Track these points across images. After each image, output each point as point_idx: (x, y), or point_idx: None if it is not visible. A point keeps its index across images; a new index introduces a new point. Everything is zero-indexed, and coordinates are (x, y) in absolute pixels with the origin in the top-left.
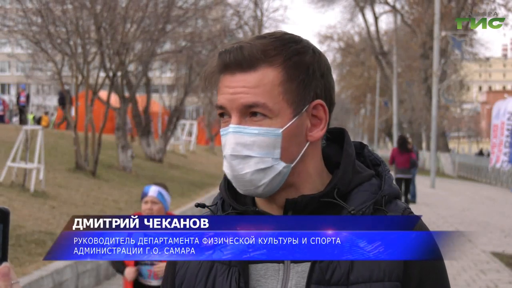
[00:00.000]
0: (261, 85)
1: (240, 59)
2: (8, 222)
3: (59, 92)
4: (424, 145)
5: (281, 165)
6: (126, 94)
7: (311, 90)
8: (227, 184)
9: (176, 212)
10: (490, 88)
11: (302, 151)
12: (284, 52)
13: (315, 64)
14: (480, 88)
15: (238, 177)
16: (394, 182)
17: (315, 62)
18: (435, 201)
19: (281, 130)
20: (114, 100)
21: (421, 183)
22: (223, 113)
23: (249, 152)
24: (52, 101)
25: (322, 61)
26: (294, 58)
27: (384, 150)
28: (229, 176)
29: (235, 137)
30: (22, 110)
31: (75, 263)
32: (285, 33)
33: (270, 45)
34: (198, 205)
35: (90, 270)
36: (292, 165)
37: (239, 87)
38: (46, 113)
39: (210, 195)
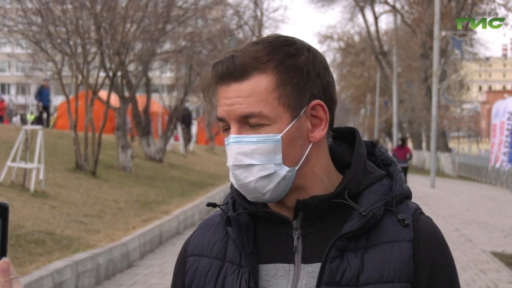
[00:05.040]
0: (254, 93)
1: (232, 69)
2: (7, 217)
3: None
4: (424, 145)
5: (284, 170)
6: (126, 94)
7: (307, 92)
8: None
9: (176, 212)
10: (490, 88)
11: (306, 153)
12: (275, 56)
13: (309, 65)
14: (480, 88)
15: (243, 186)
16: (405, 182)
17: (310, 62)
18: (435, 201)
19: (280, 135)
20: (114, 100)
21: (421, 183)
22: (225, 125)
23: (250, 160)
24: (52, 101)
25: (317, 60)
26: (286, 61)
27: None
28: (235, 186)
29: (235, 147)
30: None
31: (75, 263)
32: (279, 37)
33: (262, 51)
34: (209, 204)
35: (90, 270)
36: (297, 168)
37: (234, 97)
38: (52, 114)
39: (210, 195)
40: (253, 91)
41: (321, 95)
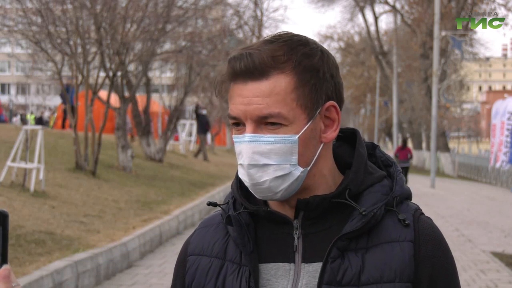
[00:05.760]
0: (273, 93)
1: (251, 67)
2: (7, 225)
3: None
4: (424, 145)
5: (298, 170)
6: (126, 94)
7: (323, 93)
8: (239, 183)
9: (176, 212)
10: (490, 88)
11: (317, 153)
12: (294, 57)
13: (324, 66)
14: (480, 88)
15: (257, 185)
16: (405, 183)
17: (324, 63)
18: (435, 201)
19: (297, 136)
20: (114, 100)
21: (421, 183)
22: (237, 123)
23: (267, 160)
24: (52, 100)
25: (330, 61)
26: (304, 62)
27: (384, 150)
28: (247, 184)
29: (251, 146)
30: None
31: (75, 263)
32: (293, 35)
33: (279, 50)
34: (210, 204)
35: (90, 270)
36: (309, 168)
37: (252, 96)
38: (53, 113)
39: (210, 195)
40: (272, 91)
41: (333, 95)
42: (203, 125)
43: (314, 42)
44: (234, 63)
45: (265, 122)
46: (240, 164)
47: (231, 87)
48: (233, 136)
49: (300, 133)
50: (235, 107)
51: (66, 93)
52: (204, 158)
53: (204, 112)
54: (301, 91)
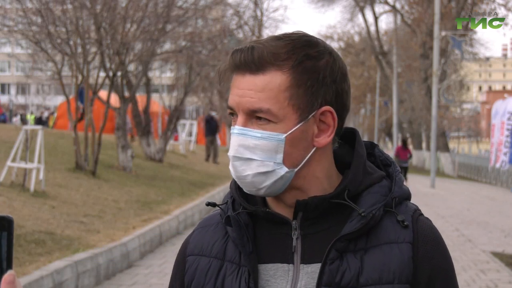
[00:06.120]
0: (267, 89)
1: (249, 61)
2: (12, 230)
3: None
4: (424, 145)
5: (283, 170)
6: (126, 94)
7: (320, 96)
8: (237, 183)
9: (176, 212)
10: (490, 88)
11: (307, 156)
12: (295, 56)
13: (327, 70)
14: (480, 88)
15: (240, 178)
16: (404, 183)
17: (328, 67)
18: (435, 201)
19: (284, 135)
20: (114, 100)
21: (421, 183)
22: (233, 113)
23: (251, 155)
24: (52, 100)
25: (336, 65)
26: (304, 63)
27: (384, 150)
28: (233, 176)
29: (238, 139)
30: None
31: (75, 263)
32: (303, 36)
33: (283, 48)
34: (208, 204)
35: (90, 270)
36: (296, 169)
37: (246, 89)
38: (52, 113)
39: (210, 195)
40: (266, 86)
41: (333, 101)
42: (212, 128)
43: (324, 45)
44: (235, 55)
45: (256, 117)
46: (228, 156)
47: (232, 78)
48: (231, 128)
49: (288, 133)
50: (232, 97)
51: (81, 95)
52: (206, 159)
53: (213, 113)
54: (295, 91)
